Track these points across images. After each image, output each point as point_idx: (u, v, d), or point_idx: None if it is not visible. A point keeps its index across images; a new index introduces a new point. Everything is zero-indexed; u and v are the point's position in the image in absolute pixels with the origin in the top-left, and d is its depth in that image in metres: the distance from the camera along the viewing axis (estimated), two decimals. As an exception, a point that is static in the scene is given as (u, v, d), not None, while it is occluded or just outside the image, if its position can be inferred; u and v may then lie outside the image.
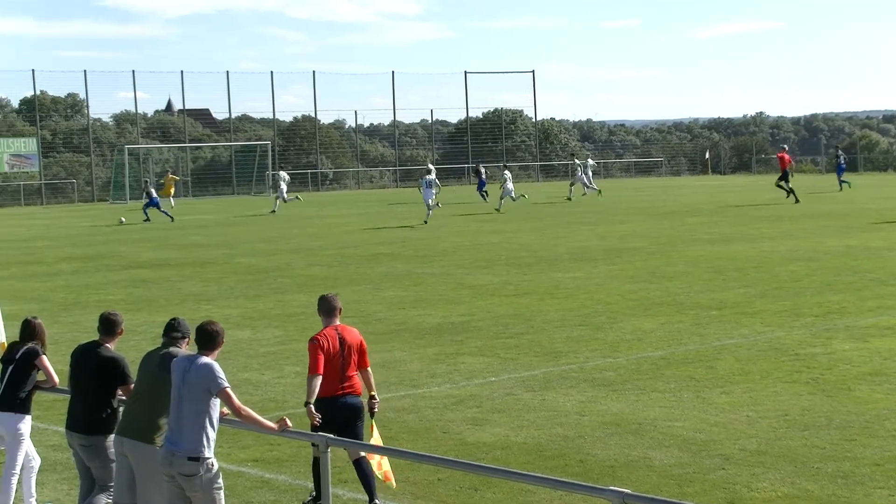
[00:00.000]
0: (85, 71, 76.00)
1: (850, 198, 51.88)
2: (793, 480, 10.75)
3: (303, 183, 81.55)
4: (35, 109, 77.41)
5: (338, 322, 10.86)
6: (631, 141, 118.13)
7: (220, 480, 8.94)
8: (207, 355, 9.01)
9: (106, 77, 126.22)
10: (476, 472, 10.54)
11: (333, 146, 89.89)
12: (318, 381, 10.38)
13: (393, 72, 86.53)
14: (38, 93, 78.91)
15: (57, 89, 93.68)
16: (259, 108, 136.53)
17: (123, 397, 9.87)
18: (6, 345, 11.50)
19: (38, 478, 11.07)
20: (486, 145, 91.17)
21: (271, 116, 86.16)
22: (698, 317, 19.90)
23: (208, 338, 9.08)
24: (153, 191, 52.93)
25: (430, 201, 45.31)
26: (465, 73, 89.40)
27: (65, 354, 12.19)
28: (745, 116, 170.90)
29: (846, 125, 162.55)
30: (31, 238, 43.08)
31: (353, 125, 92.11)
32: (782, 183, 50.76)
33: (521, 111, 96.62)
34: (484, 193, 57.24)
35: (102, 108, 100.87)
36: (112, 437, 9.69)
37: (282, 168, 65.11)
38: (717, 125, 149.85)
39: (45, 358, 10.73)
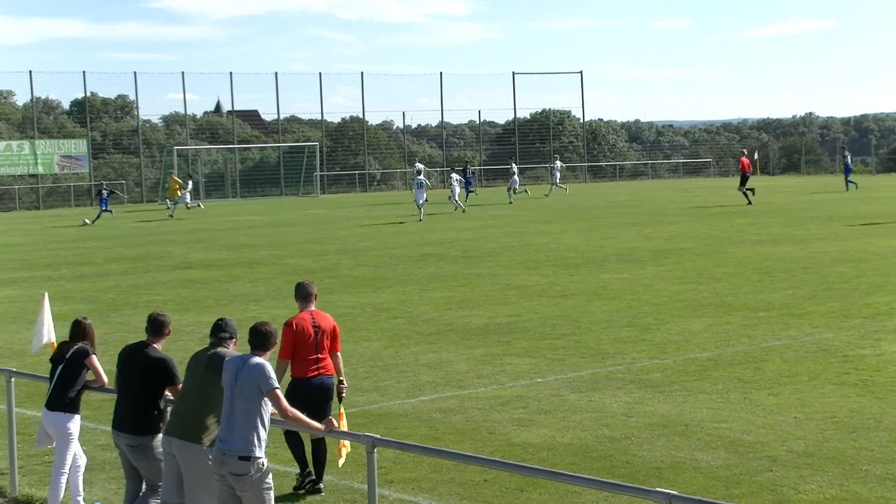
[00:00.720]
0: (135, 72, 76.55)
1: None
2: (841, 483, 10.68)
3: (350, 184, 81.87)
4: (85, 111, 78.08)
5: (313, 307, 11.46)
6: (679, 141, 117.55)
7: (270, 480, 8.99)
8: (260, 355, 9.08)
9: (155, 79, 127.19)
10: (522, 473, 10.54)
11: (381, 147, 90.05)
12: (285, 366, 11.07)
13: (441, 72, 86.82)
14: (88, 94, 79.63)
15: (107, 91, 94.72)
16: (307, 110, 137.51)
17: (171, 397, 9.95)
18: (56, 344, 11.62)
19: (86, 477, 11.18)
20: (533, 146, 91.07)
21: (319, 117, 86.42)
22: (746, 318, 19.80)
23: (261, 338, 9.16)
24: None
25: (420, 201, 47.87)
26: (513, 73, 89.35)
27: (113, 355, 12.30)
28: (794, 117, 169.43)
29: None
30: (81, 239, 43.45)
31: (401, 126, 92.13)
32: (743, 188, 51.34)
33: (569, 112, 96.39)
34: (464, 193, 60.22)
35: (152, 109, 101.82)
36: (159, 437, 9.77)
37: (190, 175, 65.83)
38: (766, 125, 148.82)
39: (94, 358, 10.82)
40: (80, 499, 10.84)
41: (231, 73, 79.40)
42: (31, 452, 12.67)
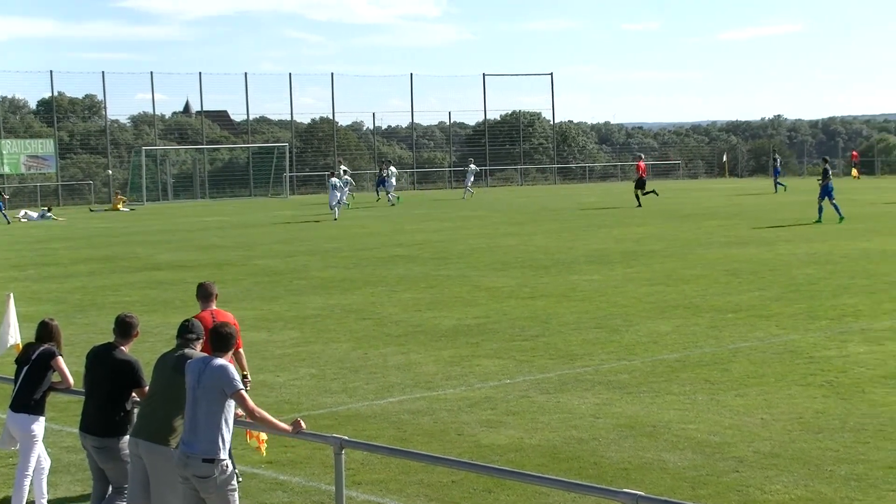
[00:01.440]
0: (103, 72, 76.16)
1: (868, 201, 51.74)
2: (806, 483, 10.74)
3: (320, 185, 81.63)
4: (52, 111, 77.64)
5: (213, 306, 11.78)
6: (648, 143, 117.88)
7: (235, 482, 8.97)
8: (222, 357, 9.05)
9: (124, 79, 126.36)
10: (490, 475, 10.56)
11: (351, 148, 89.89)
12: None
13: (411, 74, 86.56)
14: (55, 94, 79.14)
15: (74, 91, 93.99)
16: (277, 110, 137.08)
17: (137, 399, 9.91)
18: (21, 346, 11.55)
19: (50, 479, 11.12)
20: (504, 147, 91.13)
21: (289, 118, 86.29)
22: (714, 319, 19.88)
23: (222, 339, 9.12)
24: None
25: (333, 203, 50.24)
26: (484, 75, 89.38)
27: (80, 356, 12.26)
28: (762, 119, 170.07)
29: (864, 128, 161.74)
30: (48, 239, 43.22)
31: (371, 127, 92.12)
32: (639, 191, 52.86)
33: (540, 114, 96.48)
34: (378, 190, 66.55)
35: (120, 109, 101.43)
36: (126, 438, 9.73)
37: None
38: (735, 128, 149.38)
39: (60, 359, 10.77)
40: (44, 500, 10.78)
41: (200, 73, 79.21)
42: (-4, 454, 12.59)
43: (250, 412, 8.97)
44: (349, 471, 10.59)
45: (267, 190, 78.98)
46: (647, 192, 52.78)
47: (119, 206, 65.08)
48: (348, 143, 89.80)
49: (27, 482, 10.61)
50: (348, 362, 17.26)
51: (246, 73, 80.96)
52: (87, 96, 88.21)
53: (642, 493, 7.40)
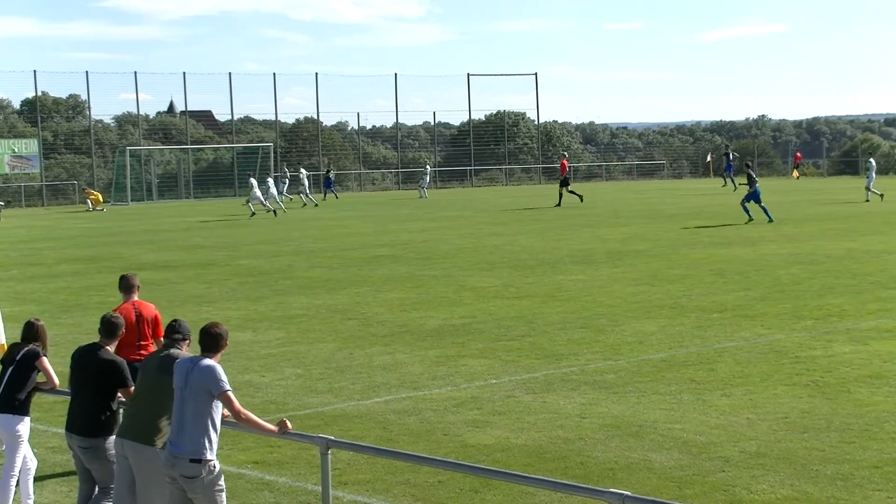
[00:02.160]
0: (87, 72, 76.00)
1: (853, 201, 51.87)
2: (792, 483, 10.76)
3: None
4: (36, 110, 77.40)
5: (135, 298, 12.43)
6: (633, 143, 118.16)
7: (222, 482, 8.95)
8: (210, 357, 9.02)
9: (108, 78, 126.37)
10: (477, 475, 10.56)
11: (336, 148, 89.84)
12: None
13: (396, 74, 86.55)
14: (39, 94, 78.88)
15: (58, 90, 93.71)
16: (261, 110, 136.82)
17: (123, 399, 9.89)
18: (6, 346, 11.51)
19: (37, 480, 11.08)
20: (488, 147, 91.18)
21: (273, 118, 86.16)
22: (699, 319, 19.91)
23: (211, 340, 9.09)
24: None
25: (266, 202, 53.84)
26: (468, 75, 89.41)
27: (65, 356, 12.24)
28: (747, 119, 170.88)
29: (848, 128, 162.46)
30: (32, 239, 43.09)
31: (356, 127, 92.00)
32: (563, 189, 54.13)
33: (524, 114, 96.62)
34: (325, 192, 70.49)
35: (104, 109, 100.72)
36: (112, 438, 9.70)
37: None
38: (720, 128, 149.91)
39: (45, 359, 10.74)
40: (31, 501, 10.74)
41: (184, 73, 79.05)
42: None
43: (236, 413, 8.94)
44: (335, 471, 10.58)
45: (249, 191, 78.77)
46: (572, 192, 53.74)
47: (91, 197, 64.63)
48: (333, 143, 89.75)
49: (13, 483, 10.57)
50: (334, 362, 17.24)
51: (230, 73, 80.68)
52: (70, 96, 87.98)
53: (629, 493, 7.40)
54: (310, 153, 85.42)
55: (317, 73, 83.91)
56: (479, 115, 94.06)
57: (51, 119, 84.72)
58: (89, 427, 9.84)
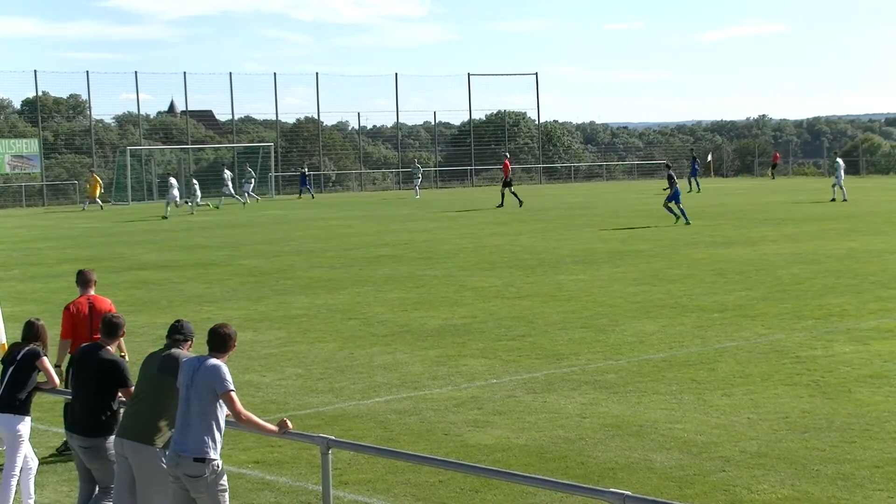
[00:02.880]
0: (87, 72, 75.87)
1: (853, 200, 51.88)
2: (793, 482, 10.76)
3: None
4: (37, 110, 77.35)
5: (91, 292, 12.88)
6: (634, 143, 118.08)
7: (225, 482, 8.95)
8: (217, 357, 9.03)
9: (108, 78, 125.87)
10: (477, 474, 10.56)
11: (336, 148, 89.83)
12: (66, 344, 12.54)
13: (396, 74, 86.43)
14: (40, 94, 78.81)
15: (59, 90, 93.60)
16: (262, 110, 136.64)
17: (123, 399, 9.89)
18: (7, 346, 11.51)
19: (38, 479, 11.09)
20: (489, 147, 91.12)
21: (274, 118, 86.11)
22: (700, 319, 19.91)
23: (219, 340, 9.09)
24: None
25: (178, 201, 57.83)
26: (469, 75, 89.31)
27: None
28: (747, 119, 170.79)
29: (848, 128, 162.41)
30: (33, 239, 43.08)
31: (356, 127, 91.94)
32: (505, 190, 54.86)
33: (525, 113, 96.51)
34: (301, 190, 72.96)
35: (105, 109, 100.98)
36: (112, 438, 9.70)
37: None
38: (720, 128, 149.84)
39: (45, 359, 10.75)
40: (31, 501, 10.75)
41: (185, 73, 78.95)
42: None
43: (237, 414, 8.94)
44: (336, 471, 10.58)
45: (252, 189, 78.75)
46: (514, 193, 54.15)
47: (97, 189, 64.88)
48: (333, 143, 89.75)
49: (14, 482, 10.58)
50: (335, 362, 17.24)
51: (230, 73, 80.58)
52: (71, 96, 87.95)
53: (629, 493, 7.40)
54: (310, 153, 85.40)
55: (317, 73, 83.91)
56: (479, 114, 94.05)
57: (51, 119, 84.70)
58: (90, 427, 9.84)
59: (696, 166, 69.19)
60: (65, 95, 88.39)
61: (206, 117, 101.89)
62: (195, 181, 64.95)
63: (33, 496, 10.80)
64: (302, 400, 14.93)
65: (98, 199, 65.12)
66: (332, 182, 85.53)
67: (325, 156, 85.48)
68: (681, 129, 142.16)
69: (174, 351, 9.39)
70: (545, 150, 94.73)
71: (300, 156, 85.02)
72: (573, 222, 43.12)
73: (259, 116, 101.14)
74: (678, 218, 40.79)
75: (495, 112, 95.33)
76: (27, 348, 10.72)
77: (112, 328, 10.14)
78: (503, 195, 54.34)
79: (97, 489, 10.02)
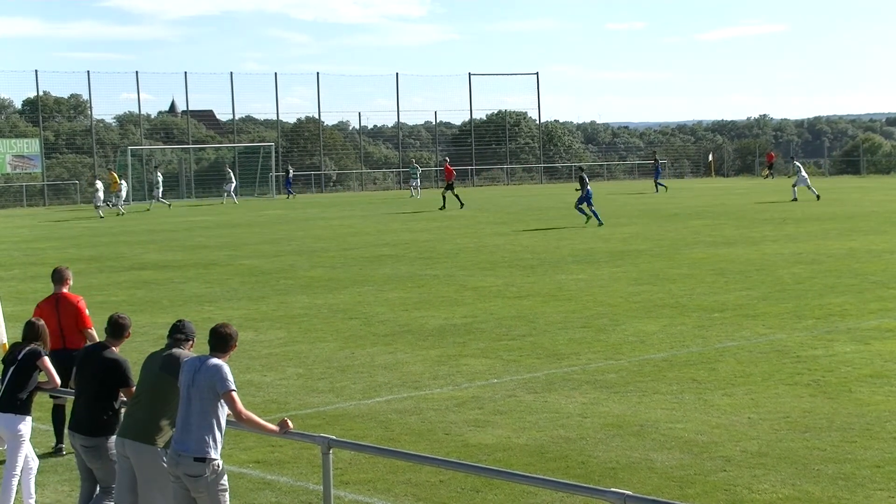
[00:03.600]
0: (88, 72, 75.86)
1: (854, 200, 51.90)
2: (794, 482, 10.76)
3: (306, 184, 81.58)
4: (38, 110, 77.34)
5: (64, 290, 13.15)
6: (634, 143, 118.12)
7: (225, 481, 8.95)
8: (218, 357, 9.03)
9: (109, 78, 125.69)
10: (478, 474, 10.56)
11: (337, 148, 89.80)
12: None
13: (397, 73, 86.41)
14: (41, 94, 78.82)
15: (60, 90, 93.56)
16: (263, 110, 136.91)
17: (125, 399, 9.89)
18: (8, 346, 11.52)
19: (38, 479, 11.09)
20: (490, 147, 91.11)
21: (275, 118, 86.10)
22: (701, 319, 19.91)
23: (220, 340, 9.09)
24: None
25: (107, 202, 58.76)
26: (470, 74, 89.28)
27: (67, 355, 12.23)
28: (748, 119, 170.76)
29: (849, 128, 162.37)
30: (34, 239, 43.09)
31: (357, 127, 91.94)
32: (447, 192, 55.02)
33: (525, 113, 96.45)
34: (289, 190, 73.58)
35: (105, 109, 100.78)
36: (114, 438, 9.70)
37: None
38: (721, 128, 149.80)
39: (46, 359, 10.75)
40: (32, 501, 10.75)
41: (185, 72, 79.00)
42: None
43: (238, 414, 8.93)
44: (337, 470, 10.58)
45: (253, 189, 78.82)
46: (456, 196, 54.35)
47: (117, 186, 65.25)
48: (334, 143, 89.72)
49: (15, 482, 10.58)
50: (335, 362, 17.24)
51: (231, 73, 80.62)
52: (72, 96, 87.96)
53: (630, 493, 7.40)
54: (311, 153, 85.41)
55: (318, 73, 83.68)
56: (480, 114, 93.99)
57: (52, 119, 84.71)
58: (92, 426, 9.84)
59: (659, 168, 69.73)
60: (66, 95, 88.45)
61: (206, 117, 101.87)
62: (160, 175, 65.29)
63: (34, 496, 10.81)
64: (303, 399, 14.93)
65: (115, 201, 65.37)
66: (332, 182, 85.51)
67: (325, 156, 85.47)
68: (682, 128, 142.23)
69: (175, 351, 9.39)
70: (546, 149, 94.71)
71: (301, 156, 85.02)
72: (573, 222, 43.11)
73: (260, 116, 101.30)
74: (589, 218, 41.55)
75: (496, 112, 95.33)
76: (28, 348, 10.72)
77: (118, 329, 10.13)
78: (445, 198, 54.52)
79: (98, 489, 10.02)
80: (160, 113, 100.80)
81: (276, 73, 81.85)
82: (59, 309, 12.92)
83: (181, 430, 8.89)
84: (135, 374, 9.85)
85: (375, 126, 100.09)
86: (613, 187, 69.85)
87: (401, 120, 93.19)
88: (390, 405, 14.42)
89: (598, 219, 41.22)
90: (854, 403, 13.68)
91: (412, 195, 69.02)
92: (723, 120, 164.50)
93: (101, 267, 31.63)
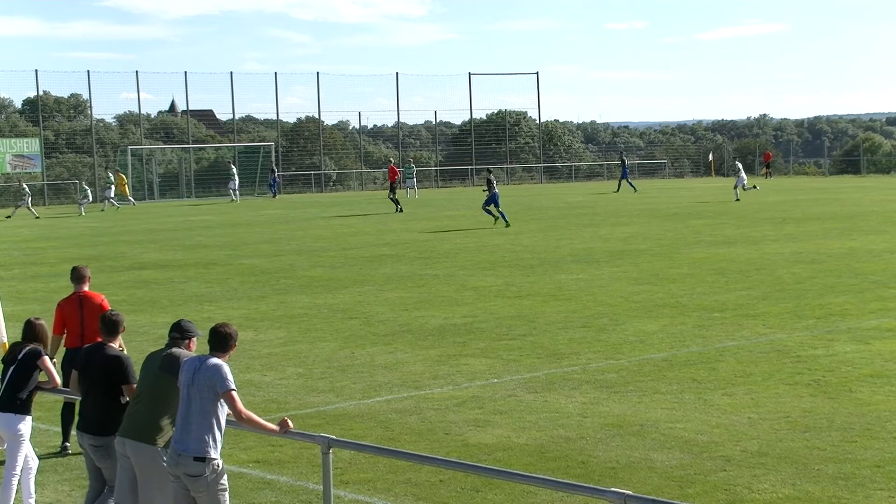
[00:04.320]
0: (88, 71, 75.77)
1: (854, 200, 51.89)
2: (794, 482, 10.76)
3: (306, 184, 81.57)
4: (38, 110, 77.30)
5: (85, 288, 13.11)
6: (634, 143, 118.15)
7: (225, 481, 8.95)
8: (218, 356, 9.02)
9: (109, 78, 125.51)
10: (478, 474, 10.56)
11: (337, 147, 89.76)
12: (57, 340, 12.72)
13: (397, 73, 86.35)
14: (41, 93, 78.77)
15: (60, 90, 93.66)
16: (263, 110, 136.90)
17: (127, 397, 9.88)
18: (7, 345, 11.51)
19: (39, 479, 11.09)
20: (490, 147, 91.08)
21: (275, 117, 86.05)
22: (701, 319, 19.90)
23: (220, 339, 9.09)
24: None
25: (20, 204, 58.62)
26: (470, 74, 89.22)
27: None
28: (748, 118, 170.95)
29: (849, 127, 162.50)
30: (34, 239, 43.08)
31: (357, 126, 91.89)
32: (393, 194, 55.11)
33: (525, 113, 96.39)
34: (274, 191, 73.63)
35: (105, 108, 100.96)
36: (119, 437, 9.69)
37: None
38: (721, 127, 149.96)
39: (46, 359, 10.75)
40: (32, 501, 10.75)
41: (185, 72, 78.92)
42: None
43: (238, 413, 8.93)
44: (337, 470, 10.58)
45: (253, 189, 78.79)
46: (395, 199, 54.09)
47: (125, 187, 65.45)
48: (334, 143, 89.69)
49: (15, 482, 10.58)
50: (335, 361, 17.24)
51: (231, 73, 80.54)
52: (72, 95, 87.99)
53: (630, 492, 7.40)
54: (311, 152, 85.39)
55: (318, 73, 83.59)
56: (480, 114, 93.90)
57: (52, 118, 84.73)
58: (101, 425, 9.82)
59: (626, 168, 70.37)
60: (66, 95, 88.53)
61: (206, 117, 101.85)
62: (111, 175, 65.42)
63: (34, 495, 10.80)
64: (303, 399, 14.93)
65: (130, 197, 66.96)
66: (332, 181, 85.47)
67: (325, 155, 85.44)
68: (682, 128, 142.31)
69: (175, 350, 9.39)
70: (546, 149, 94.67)
71: (301, 155, 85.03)
72: (574, 222, 43.12)
73: (260, 116, 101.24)
74: (497, 219, 41.98)
75: (496, 111, 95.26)
76: (28, 348, 10.72)
77: (112, 326, 10.13)
78: (397, 201, 54.05)
79: (107, 488, 10.00)
80: (160, 113, 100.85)
81: (276, 73, 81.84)
82: (83, 308, 12.90)
83: (181, 430, 8.89)
84: (135, 373, 9.84)
85: (375, 126, 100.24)
86: (613, 187, 69.71)
87: (401, 120, 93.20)
88: (390, 405, 14.42)
89: (506, 220, 41.74)
90: (854, 403, 13.68)
91: (408, 195, 68.84)
92: (723, 119, 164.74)
93: (101, 266, 31.61)
